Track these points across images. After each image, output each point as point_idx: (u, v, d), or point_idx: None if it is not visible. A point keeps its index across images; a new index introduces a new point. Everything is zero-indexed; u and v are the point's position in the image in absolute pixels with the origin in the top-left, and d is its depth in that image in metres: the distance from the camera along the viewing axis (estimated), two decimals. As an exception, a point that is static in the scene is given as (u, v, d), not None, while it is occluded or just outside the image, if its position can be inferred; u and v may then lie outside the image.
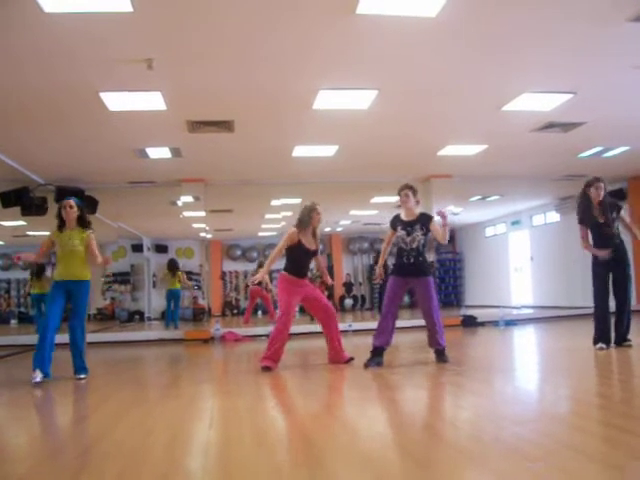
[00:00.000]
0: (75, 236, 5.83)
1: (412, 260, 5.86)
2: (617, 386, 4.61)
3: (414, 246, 5.85)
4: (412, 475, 2.51)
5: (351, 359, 6.17)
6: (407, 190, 5.95)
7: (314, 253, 6.23)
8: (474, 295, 21.61)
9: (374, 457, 2.80)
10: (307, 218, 6.09)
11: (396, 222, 6.04)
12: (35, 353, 5.59)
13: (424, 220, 5.94)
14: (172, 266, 14.06)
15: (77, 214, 5.88)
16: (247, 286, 14.80)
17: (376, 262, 7.12)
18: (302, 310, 12.14)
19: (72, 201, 5.92)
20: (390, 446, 3.10)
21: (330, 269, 21.34)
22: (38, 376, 5.43)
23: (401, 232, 5.93)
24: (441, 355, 5.93)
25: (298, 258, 6.14)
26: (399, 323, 5.83)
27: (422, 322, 6.08)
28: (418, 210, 6.03)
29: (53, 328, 5.65)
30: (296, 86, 7.04)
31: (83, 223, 5.92)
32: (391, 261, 7.01)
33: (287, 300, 5.99)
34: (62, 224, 5.87)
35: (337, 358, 6.18)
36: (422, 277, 5.89)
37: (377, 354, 5.88)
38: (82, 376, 5.75)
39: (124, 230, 17.95)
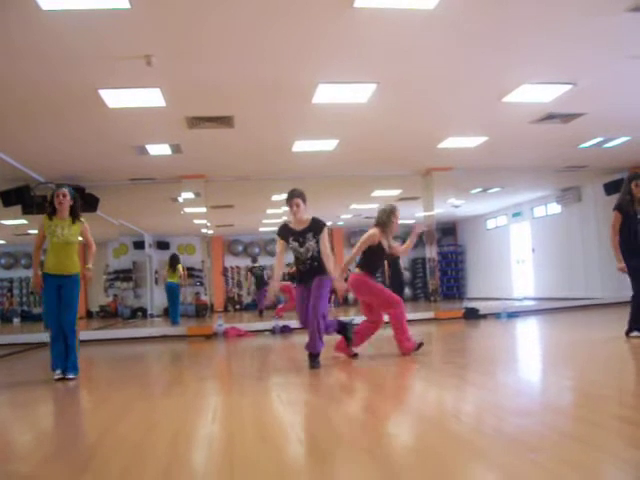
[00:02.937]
0: (67, 226, 5.67)
1: (308, 267, 5.64)
2: (623, 378, 4.59)
3: (309, 256, 5.60)
4: (414, 467, 2.52)
5: (355, 355, 6.21)
6: (297, 199, 5.62)
7: (386, 254, 6.36)
8: (476, 287, 21.61)
9: (377, 451, 2.81)
10: (387, 220, 6.16)
11: (286, 233, 5.73)
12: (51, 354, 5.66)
13: (315, 228, 5.62)
14: (172, 260, 14.25)
15: (70, 204, 5.72)
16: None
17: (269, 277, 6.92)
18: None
19: (65, 190, 5.74)
20: (392, 439, 3.11)
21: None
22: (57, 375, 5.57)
23: (293, 244, 5.64)
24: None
25: (377, 258, 6.26)
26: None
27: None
28: (307, 215, 5.71)
29: (59, 325, 5.61)
30: (295, 80, 7.03)
31: (75, 214, 5.75)
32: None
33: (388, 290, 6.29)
34: (53, 212, 5.69)
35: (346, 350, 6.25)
36: (317, 277, 5.61)
37: (313, 358, 5.67)
38: (71, 376, 5.57)
39: (125, 227, 17.97)
